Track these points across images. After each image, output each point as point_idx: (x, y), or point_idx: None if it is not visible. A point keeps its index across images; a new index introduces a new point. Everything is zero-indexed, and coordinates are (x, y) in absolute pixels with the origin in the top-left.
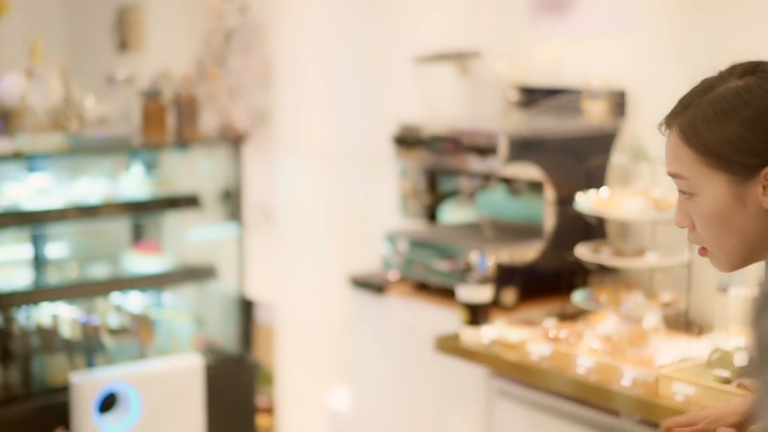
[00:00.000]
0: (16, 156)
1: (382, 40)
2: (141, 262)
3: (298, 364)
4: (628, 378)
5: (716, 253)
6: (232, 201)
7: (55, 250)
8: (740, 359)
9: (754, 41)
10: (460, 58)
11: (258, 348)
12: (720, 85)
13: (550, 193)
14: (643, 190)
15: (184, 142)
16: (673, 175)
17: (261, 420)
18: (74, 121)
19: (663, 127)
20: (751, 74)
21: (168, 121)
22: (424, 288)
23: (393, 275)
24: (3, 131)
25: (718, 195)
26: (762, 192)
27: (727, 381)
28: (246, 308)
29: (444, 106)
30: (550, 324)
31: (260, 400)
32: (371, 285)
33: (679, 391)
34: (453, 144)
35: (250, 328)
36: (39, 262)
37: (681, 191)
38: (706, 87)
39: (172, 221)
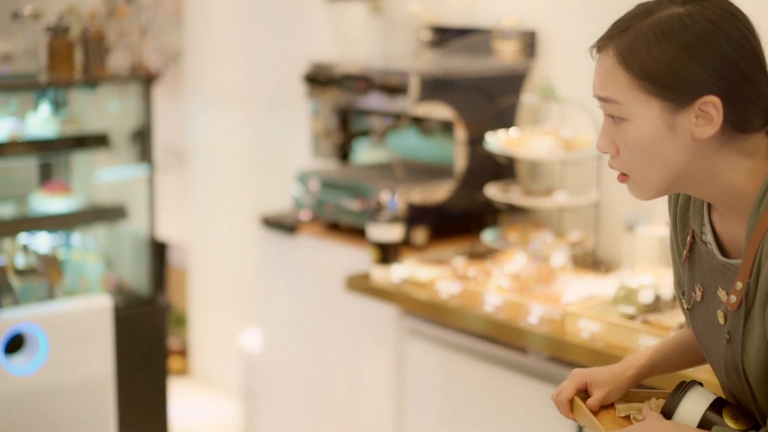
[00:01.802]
0: None
1: None
2: (49, 202)
3: (211, 306)
4: (535, 315)
5: (638, 180)
6: (142, 141)
7: None
8: (645, 296)
9: None
10: None
11: (171, 290)
12: (660, 11)
13: (461, 133)
14: (553, 130)
15: (92, 80)
16: (603, 99)
17: (173, 362)
18: None
19: (594, 50)
20: (694, 2)
21: (75, 59)
22: (335, 228)
23: (304, 215)
24: None
25: (650, 122)
26: (694, 122)
27: (631, 317)
28: (157, 249)
29: (357, 45)
30: (460, 263)
31: (173, 343)
32: (283, 225)
33: (585, 328)
34: (364, 83)
35: (162, 269)
36: None
37: (609, 116)
38: (644, 11)
39: (81, 161)
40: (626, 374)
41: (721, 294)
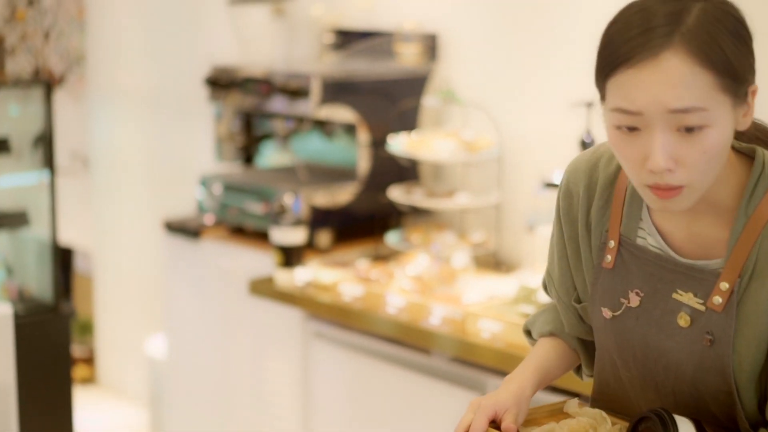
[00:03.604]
0: None
1: None
2: None
3: (116, 312)
4: (437, 316)
5: (698, 189)
6: (44, 146)
7: None
8: (544, 296)
9: None
10: (274, 0)
11: (77, 297)
12: (692, 2)
13: (363, 136)
14: (454, 132)
15: None
16: (682, 111)
17: (80, 370)
18: None
19: (646, 54)
20: None
21: None
22: (239, 232)
23: (208, 219)
24: None
25: (728, 122)
26: (743, 113)
27: None
28: (61, 256)
29: (259, 48)
30: (363, 265)
31: (79, 350)
32: (186, 230)
33: (486, 328)
34: (267, 86)
35: (67, 276)
36: None
37: (680, 129)
38: (676, 8)
39: None
40: (525, 393)
41: (684, 297)
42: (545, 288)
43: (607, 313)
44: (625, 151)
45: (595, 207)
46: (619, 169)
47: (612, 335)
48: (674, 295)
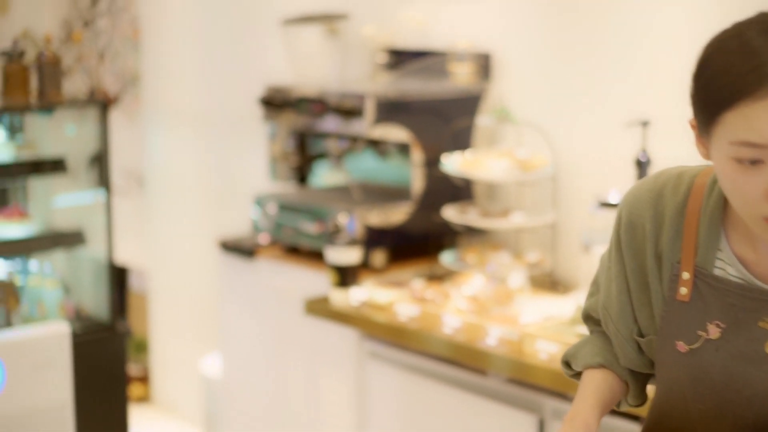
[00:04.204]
0: None
1: (250, 2)
2: (5, 228)
3: (171, 331)
4: (493, 337)
5: None
6: (100, 165)
7: None
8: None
9: (614, 4)
10: (327, 20)
11: (131, 315)
12: None
13: (417, 155)
14: (508, 152)
15: (48, 104)
16: None
17: (135, 389)
18: None
19: None
20: None
21: (31, 83)
22: (294, 251)
23: (263, 239)
24: None
25: None
26: None
27: None
28: (116, 275)
29: (312, 68)
30: (418, 285)
31: (134, 369)
32: (241, 249)
33: (543, 349)
34: (321, 106)
35: (121, 295)
36: None
37: None
38: None
39: (38, 186)
40: (591, 430)
41: None
42: (587, 319)
43: (682, 346)
44: (744, 185)
45: (665, 238)
46: (686, 197)
47: (686, 368)
48: (760, 324)
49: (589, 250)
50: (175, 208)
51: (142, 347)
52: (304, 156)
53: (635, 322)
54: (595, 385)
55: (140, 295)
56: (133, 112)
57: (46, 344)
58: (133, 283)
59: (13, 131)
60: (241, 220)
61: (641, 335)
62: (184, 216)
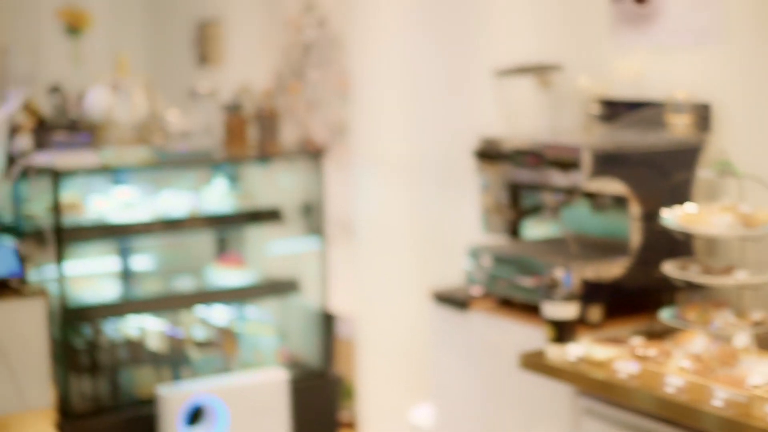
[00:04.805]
0: (103, 169)
1: (461, 52)
2: (224, 275)
3: (379, 379)
4: (719, 398)
5: None
6: (313, 214)
7: (140, 262)
8: None
9: None
10: (540, 71)
11: (339, 362)
12: None
13: (635, 209)
14: (731, 206)
15: (265, 155)
16: None
17: None
18: (158, 135)
19: None
20: None
21: (249, 135)
22: (507, 304)
23: (476, 291)
24: (89, 145)
25: None
26: None
27: None
28: (328, 322)
29: (524, 119)
30: (638, 342)
31: (342, 415)
32: (454, 300)
33: None
34: (535, 158)
35: (331, 342)
36: (125, 275)
37: None
38: None
39: (255, 234)
40: None
41: None
42: None
43: None
44: None
45: None
46: None
47: None
48: None
49: None
50: (385, 256)
51: (349, 393)
52: (517, 208)
53: None
54: None
55: (345, 341)
56: (341, 160)
57: (266, 390)
58: (341, 329)
59: (232, 181)
60: (451, 271)
61: None
62: (395, 264)
